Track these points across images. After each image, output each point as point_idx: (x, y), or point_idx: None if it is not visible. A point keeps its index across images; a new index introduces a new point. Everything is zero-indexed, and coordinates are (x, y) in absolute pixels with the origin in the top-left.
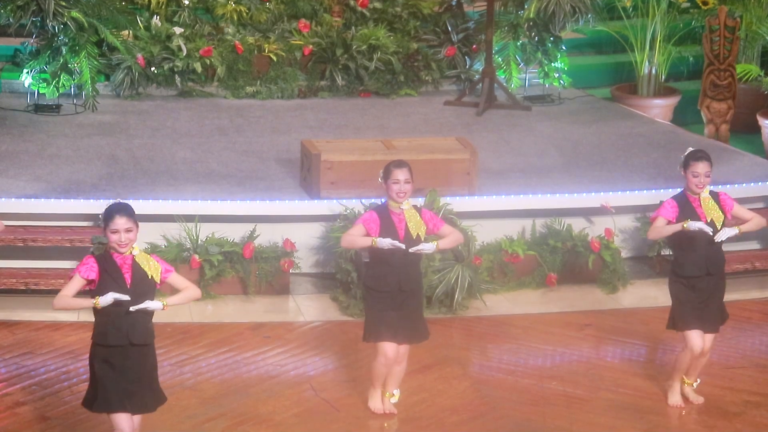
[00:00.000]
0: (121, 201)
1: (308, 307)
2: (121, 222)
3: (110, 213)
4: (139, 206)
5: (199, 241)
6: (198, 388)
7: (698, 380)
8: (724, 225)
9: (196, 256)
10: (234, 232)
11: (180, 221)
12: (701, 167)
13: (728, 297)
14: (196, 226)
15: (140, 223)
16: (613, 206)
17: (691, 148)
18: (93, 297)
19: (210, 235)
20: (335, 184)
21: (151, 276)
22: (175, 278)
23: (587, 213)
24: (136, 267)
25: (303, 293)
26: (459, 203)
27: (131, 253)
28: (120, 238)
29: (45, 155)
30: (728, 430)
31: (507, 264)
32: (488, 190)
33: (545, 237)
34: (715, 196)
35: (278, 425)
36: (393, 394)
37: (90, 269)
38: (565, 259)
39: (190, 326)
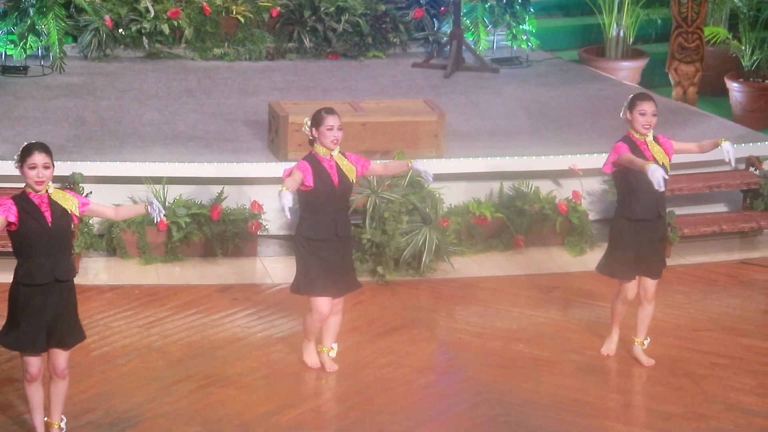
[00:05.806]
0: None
1: (276, 270)
2: (39, 158)
3: (29, 149)
4: (107, 168)
5: (167, 203)
6: (165, 350)
7: (648, 339)
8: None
9: (164, 218)
10: (201, 194)
11: (147, 183)
12: (648, 106)
13: (695, 260)
14: (164, 188)
15: (108, 185)
16: (580, 169)
17: (632, 94)
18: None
19: (177, 197)
20: (303, 146)
21: (70, 210)
22: (94, 207)
23: (555, 175)
24: (54, 204)
25: (271, 255)
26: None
27: (47, 191)
28: (38, 174)
29: (12, 117)
30: (695, 392)
31: (475, 226)
32: (456, 153)
33: (513, 199)
34: (655, 140)
35: (245, 387)
36: (332, 348)
37: (8, 210)
38: (532, 222)
39: (158, 288)
